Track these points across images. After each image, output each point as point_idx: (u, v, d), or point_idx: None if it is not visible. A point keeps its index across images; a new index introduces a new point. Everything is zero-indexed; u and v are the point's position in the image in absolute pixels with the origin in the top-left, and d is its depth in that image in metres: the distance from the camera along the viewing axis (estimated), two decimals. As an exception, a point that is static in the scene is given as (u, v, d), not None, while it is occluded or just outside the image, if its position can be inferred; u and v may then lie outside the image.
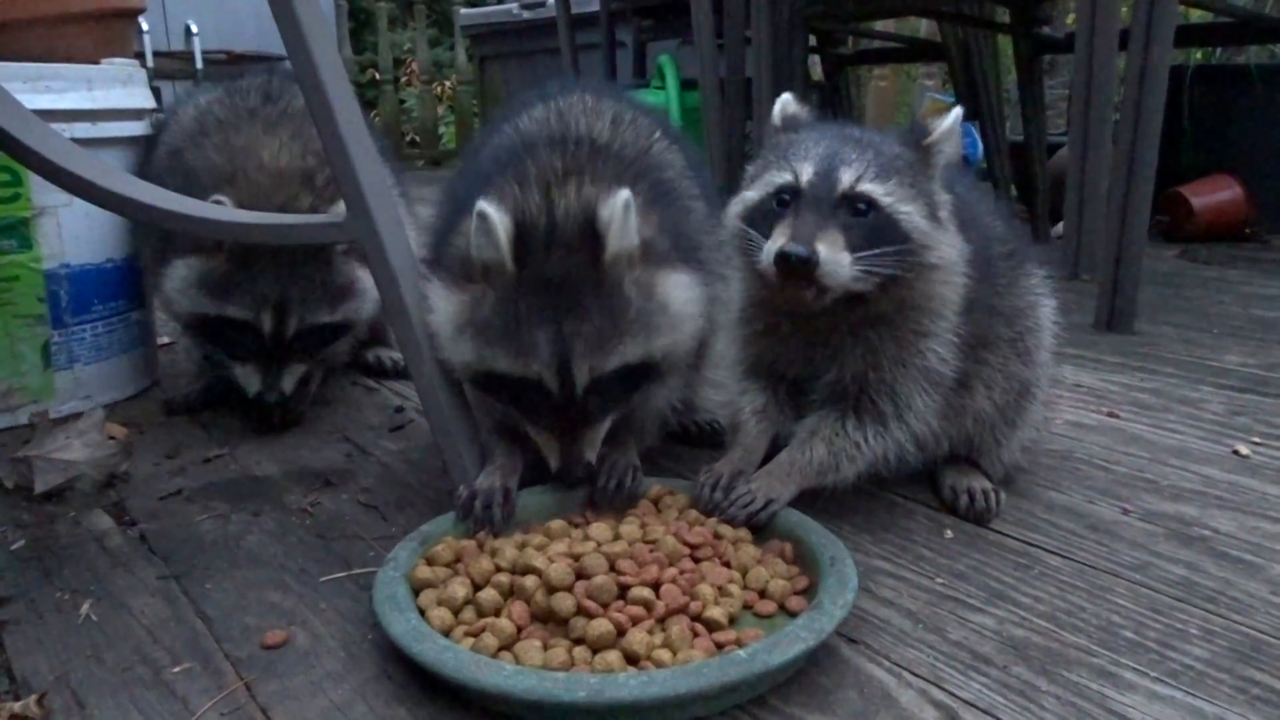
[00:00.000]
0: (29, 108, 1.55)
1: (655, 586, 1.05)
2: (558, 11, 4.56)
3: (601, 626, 0.99)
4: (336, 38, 6.26)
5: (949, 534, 1.33)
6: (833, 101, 4.23)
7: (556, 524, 1.20)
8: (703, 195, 1.47)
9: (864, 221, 1.17)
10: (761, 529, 1.22)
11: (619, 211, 1.16)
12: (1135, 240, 2.31)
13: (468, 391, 1.35)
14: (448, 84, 8.50)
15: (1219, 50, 4.13)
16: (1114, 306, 2.37)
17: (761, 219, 1.21)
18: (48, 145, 1.48)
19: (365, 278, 1.75)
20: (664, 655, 0.97)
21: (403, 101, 8.26)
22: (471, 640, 1.00)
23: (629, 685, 0.90)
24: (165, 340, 2.24)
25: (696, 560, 1.13)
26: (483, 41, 6.81)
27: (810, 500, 1.28)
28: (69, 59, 1.82)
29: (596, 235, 1.17)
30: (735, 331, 1.37)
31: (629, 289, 1.20)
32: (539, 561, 1.08)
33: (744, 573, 1.12)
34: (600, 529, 1.18)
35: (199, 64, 4.86)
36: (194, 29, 4.87)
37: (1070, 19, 4.17)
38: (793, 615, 1.06)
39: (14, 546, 1.33)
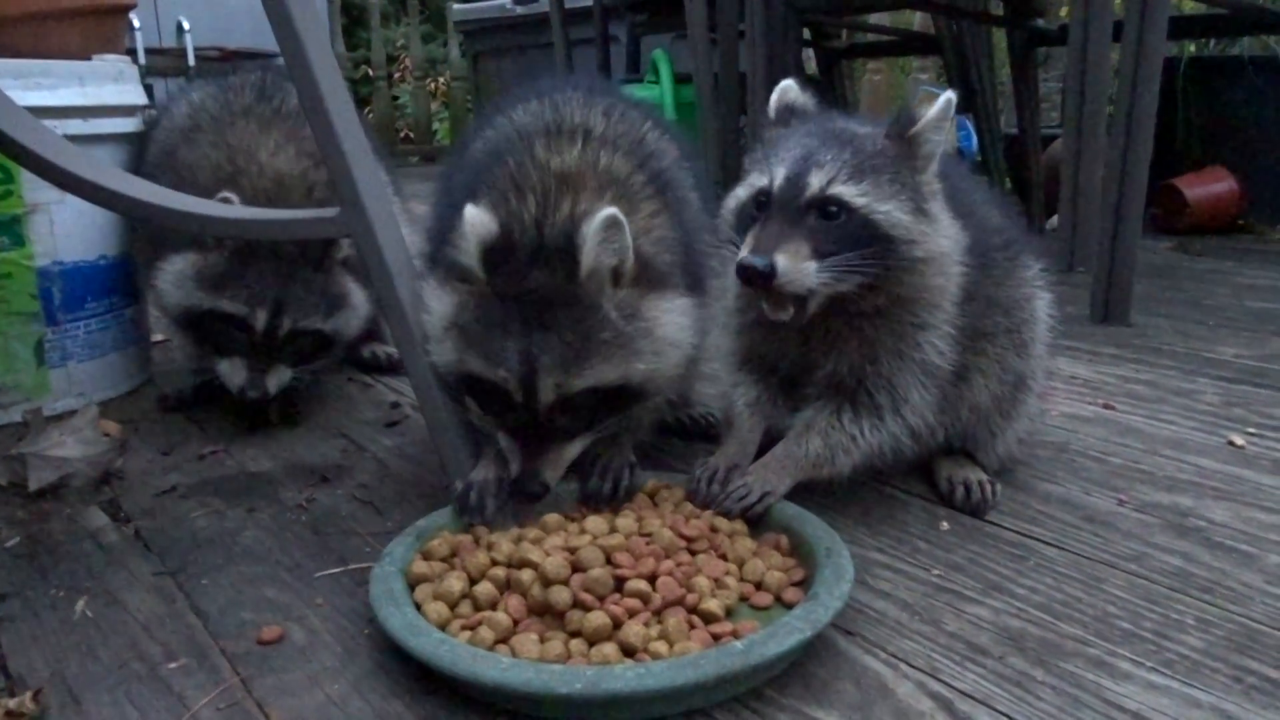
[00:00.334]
0: (20, 104, 1.54)
1: (651, 579, 1.05)
2: (551, 7, 4.55)
3: (598, 619, 0.99)
4: (329, 34, 6.24)
5: (945, 526, 1.33)
6: (827, 95, 4.23)
7: (552, 518, 1.19)
8: (697, 186, 1.47)
9: (835, 225, 1.15)
10: (757, 521, 1.22)
11: (597, 230, 1.14)
12: (1130, 232, 2.32)
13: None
14: (441, 80, 8.48)
15: (1212, 42, 4.13)
16: (1109, 298, 2.37)
17: (743, 221, 1.21)
18: (40, 141, 1.48)
19: (358, 291, 1.75)
20: (660, 647, 0.97)
21: (396, 98, 8.24)
22: (468, 634, 1.00)
23: (625, 677, 0.90)
24: (159, 337, 2.23)
25: (693, 553, 1.13)
26: (476, 37, 6.79)
27: (806, 493, 1.28)
28: (60, 55, 1.81)
29: (575, 253, 1.16)
30: (729, 322, 1.37)
31: (608, 309, 1.18)
32: (535, 555, 1.08)
33: (740, 565, 1.13)
34: (596, 522, 1.17)
35: (191, 61, 4.84)
36: (186, 26, 4.85)
37: (1064, 11, 4.17)
38: (789, 607, 1.06)
39: (9, 544, 1.33)
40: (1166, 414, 1.75)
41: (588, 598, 1.02)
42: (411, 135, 7.65)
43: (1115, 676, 0.99)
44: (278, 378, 1.70)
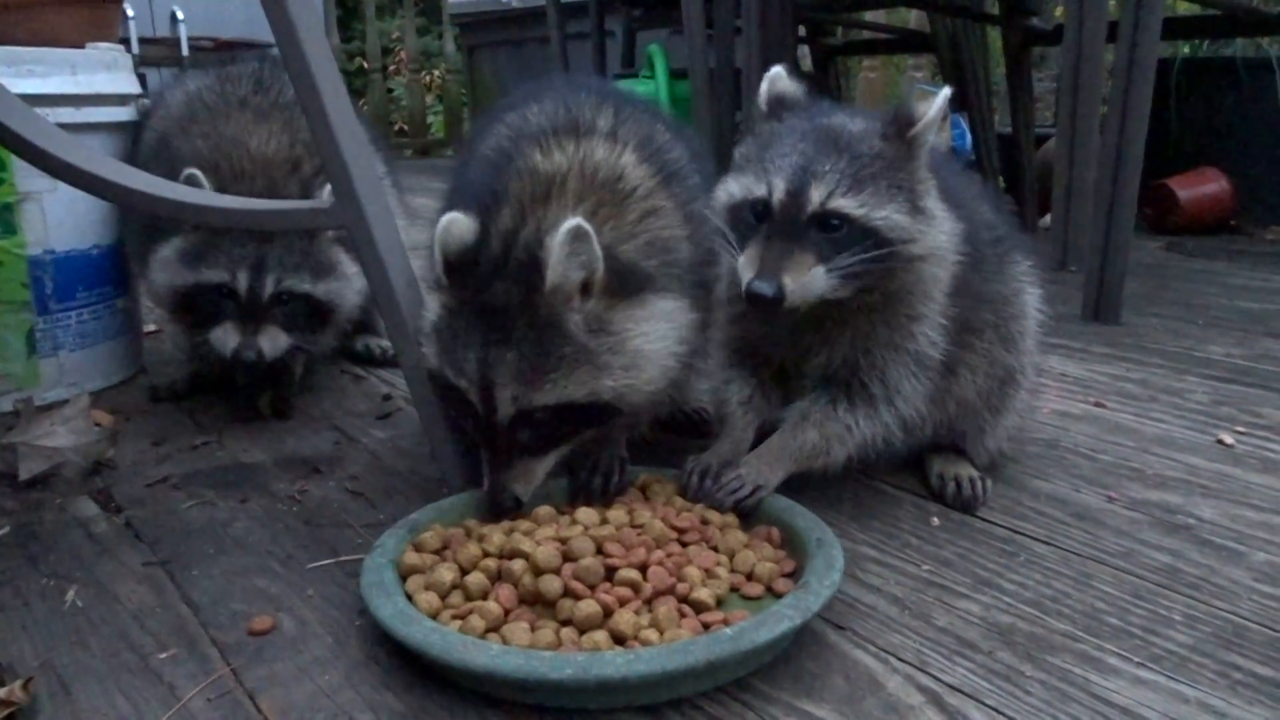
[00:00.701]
0: (13, 91, 1.54)
1: (642, 568, 1.05)
2: (548, 1, 4.54)
3: (589, 607, 0.99)
4: (324, 25, 6.22)
5: (936, 521, 1.33)
6: (822, 92, 4.23)
7: (544, 510, 1.19)
8: (707, 185, 1.45)
9: (837, 236, 1.16)
10: (749, 514, 1.23)
11: (561, 244, 1.11)
12: (1122, 232, 2.33)
13: None
14: (436, 73, 8.46)
15: (1206, 43, 4.14)
16: (1100, 297, 2.38)
17: (739, 224, 1.21)
18: (32, 129, 1.47)
19: (350, 263, 1.74)
20: (651, 635, 0.97)
21: (391, 90, 8.22)
22: (459, 623, 1.00)
23: (616, 663, 0.90)
24: (151, 328, 2.22)
25: (684, 544, 1.13)
26: (472, 30, 6.78)
27: (799, 487, 1.28)
28: (53, 43, 1.81)
29: (539, 266, 1.14)
30: (723, 312, 1.36)
31: (571, 323, 1.15)
32: (526, 545, 1.08)
33: (731, 556, 1.13)
34: (587, 514, 1.18)
35: (185, 50, 4.82)
36: (180, 15, 4.83)
37: (1059, 11, 4.18)
38: (779, 598, 1.07)
39: (-2, 533, 1.33)
40: (1156, 412, 1.76)
41: (579, 586, 1.02)
42: (406, 128, 7.63)
43: (1103, 671, 0.99)
44: (271, 339, 1.67)
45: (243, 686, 0.99)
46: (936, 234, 1.20)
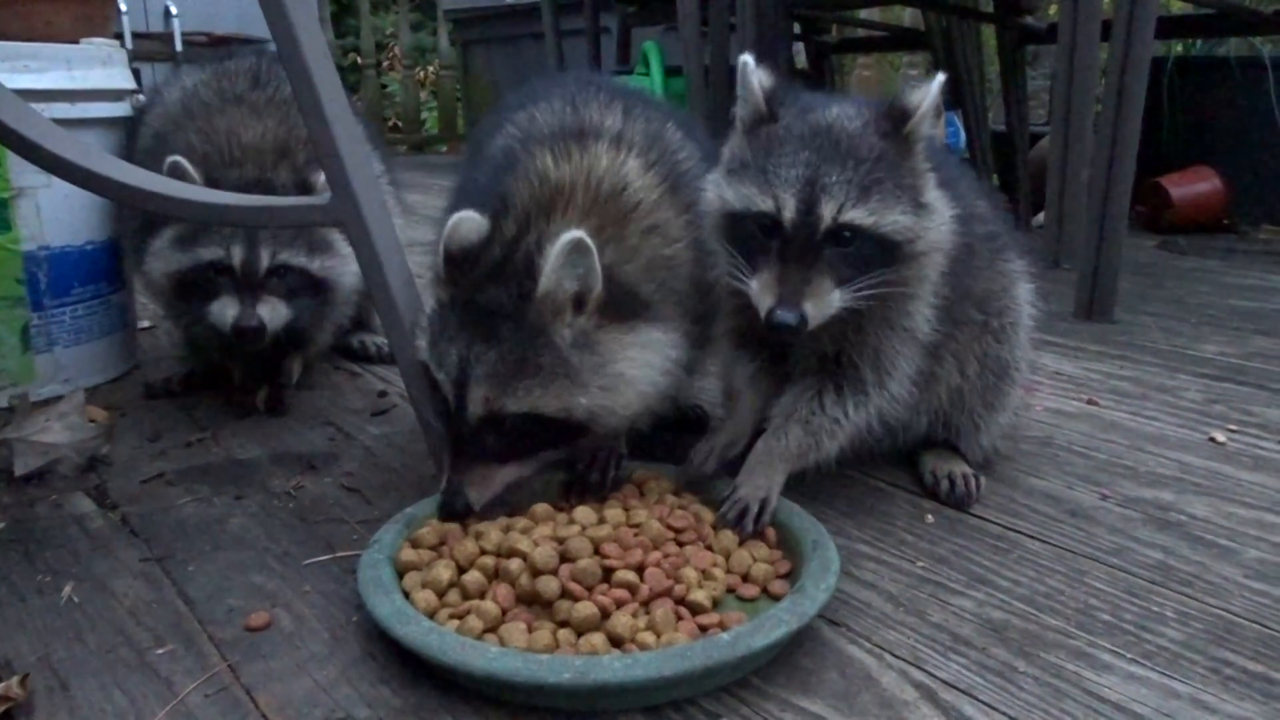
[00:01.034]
0: (7, 87, 1.53)
1: (639, 570, 1.06)
2: (542, -3, 4.54)
3: (586, 609, 0.99)
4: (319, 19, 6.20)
5: (930, 519, 1.34)
6: (817, 90, 4.23)
7: (541, 507, 1.20)
8: None
9: (849, 251, 1.15)
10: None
11: (559, 254, 1.12)
12: (1115, 230, 2.33)
13: None
14: (430, 69, 8.43)
15: (1199, 42, 4.15)
16: (1094, 295, 2.39)
17: (739, 235, 1.19)
18: (27, 124, 1.46)
19: (346, 244, 1.73)
20: (648, 638, 0.97)
21: (385, 86, 8.20)
22: (456, 622, 1.00)
23: (613, 667, 0.90)
24: (146, 324, 2.22)
25: (680, 544, 1.13)
26: (466, 26, 6.76)
27: (794, 485, 1.29)
28: (47, 38, 1.80)
29: (534, 273, 1.14)
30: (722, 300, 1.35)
31: (557, 335, 1.15)
32: (524, 544, 1.08)
33: (727, 556, 1.13)
34: (585, 512, 1.18)
35: (178, 46, 4.80)
36: (173, 10, 4.80)
37: (1053, 10, 4.19)
38: (775, 599, 1.07)
39: (-6, 529, 1.32)
40: (1149, 410, 1.77)
41: (576, 588, 1.02)
42: (400, 124, 7.61)
43: (1096, 667, 1.00)
44: (271, 309, 1.67)
45: (240, 682, 0.99)
46: (937, 229, 1.20)
